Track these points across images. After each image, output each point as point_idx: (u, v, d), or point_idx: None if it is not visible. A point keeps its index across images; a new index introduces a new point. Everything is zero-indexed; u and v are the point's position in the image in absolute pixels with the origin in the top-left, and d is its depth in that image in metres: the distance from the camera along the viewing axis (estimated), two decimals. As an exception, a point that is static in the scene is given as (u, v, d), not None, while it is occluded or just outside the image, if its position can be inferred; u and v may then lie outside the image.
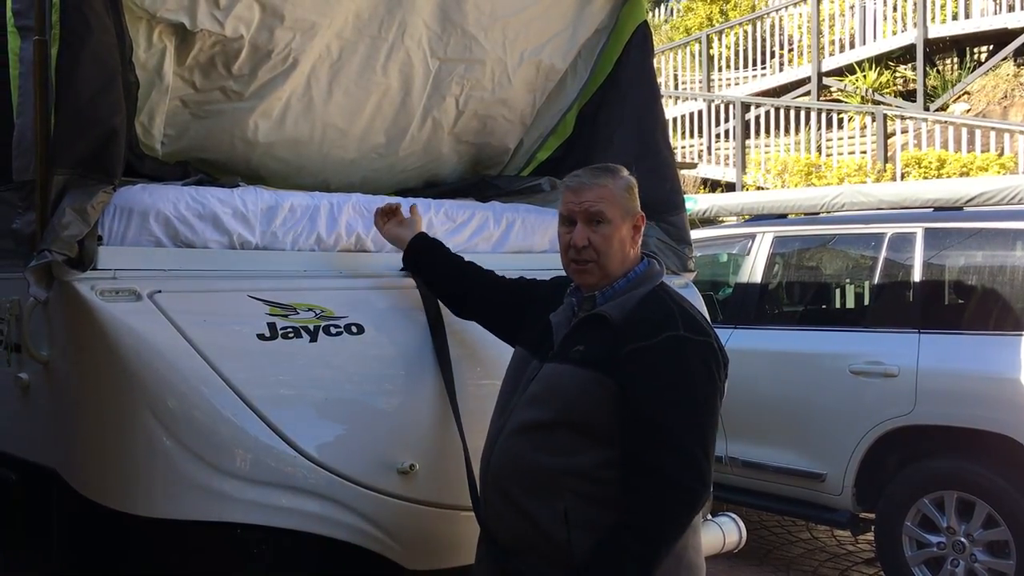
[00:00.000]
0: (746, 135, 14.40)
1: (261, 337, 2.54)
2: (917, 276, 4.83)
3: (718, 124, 14.97)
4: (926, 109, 13.55)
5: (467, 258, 2.93)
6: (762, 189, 12.81)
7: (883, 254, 5.04)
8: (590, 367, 2.19)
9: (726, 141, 14.84)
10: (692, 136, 15.34)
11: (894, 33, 14.43)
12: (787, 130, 13.97)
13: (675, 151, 13.87)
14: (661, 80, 15.85)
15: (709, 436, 2.16)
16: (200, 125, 3.08)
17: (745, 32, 16.25)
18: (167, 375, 2.37)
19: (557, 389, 2.24)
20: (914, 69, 14.23)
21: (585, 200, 2.29)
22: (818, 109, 13.86)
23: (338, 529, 2.52)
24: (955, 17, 13.82)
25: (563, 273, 2.45)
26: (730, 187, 14.06)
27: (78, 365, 2.47)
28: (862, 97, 14.40)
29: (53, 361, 2.52)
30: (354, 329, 2.70)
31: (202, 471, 2.37)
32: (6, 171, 2.56)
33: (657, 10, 20.65)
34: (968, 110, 13.25)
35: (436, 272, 2.88)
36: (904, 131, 12.91)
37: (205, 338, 2.44)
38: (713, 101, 15.12)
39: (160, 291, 2.46)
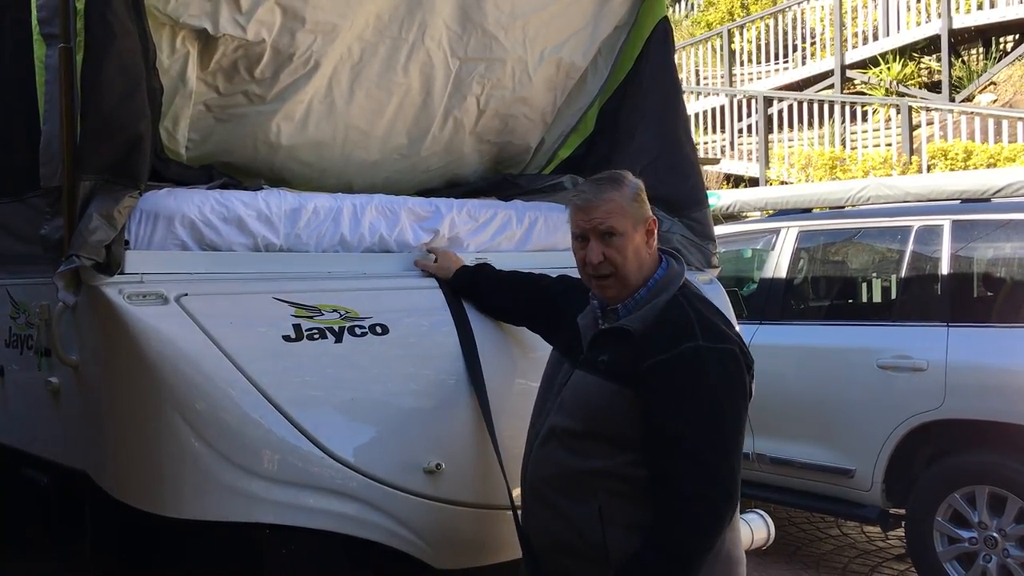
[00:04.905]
0: (769, 129, 14.31)
1: (287, 339, 2.55)
2: (945, 269, 4.77)
3: (740, 119, 14.89)
4: (952, 100, 13.41)
5: (489, 258, 2.92)
6: (786, 184, 12.72)
7: (910, 247, 4.99)
8: (615, 380, 2.22)
9: (749, 136, 14.76)
10: (714, 131, 15.27)
11: (918, 24, 14.29)
12: (811, 124, 13.87)
13: (697, 147, 13.76)
14: (682, 75, 15.76)
15: (732, 448, 2.15)
16: (223, 129, 3.10)
17: (767, 26, 16.15)
18: (195, 377, 2.39)
19: (586, 399, 2.28)
20: (939, 60, 14.09)
21: (595, 217, 2.30)
22: (842, 102, 13.75)
23: (365, 529, 2.53)
24: (980, 7, 13.67)
25: None
26: (753, 182, 13.97)
27: (107, 368, 2.49)
28: (886, 89, 14.27)
29: (82, 365, 2.54)
30: (379, 329, 2.71)
31: (230, 472, 2.39)
32: (34, 177, 2.59)
33: (677, 5, 20.57)
34: (994, 100, 13.10)
35: (480, 304, 2.93)
36: (930, 123, 12.78)
37: (231, 340, 2.46)
38: (735, 96, 15.04)
39: (187, 294, 2.48)
